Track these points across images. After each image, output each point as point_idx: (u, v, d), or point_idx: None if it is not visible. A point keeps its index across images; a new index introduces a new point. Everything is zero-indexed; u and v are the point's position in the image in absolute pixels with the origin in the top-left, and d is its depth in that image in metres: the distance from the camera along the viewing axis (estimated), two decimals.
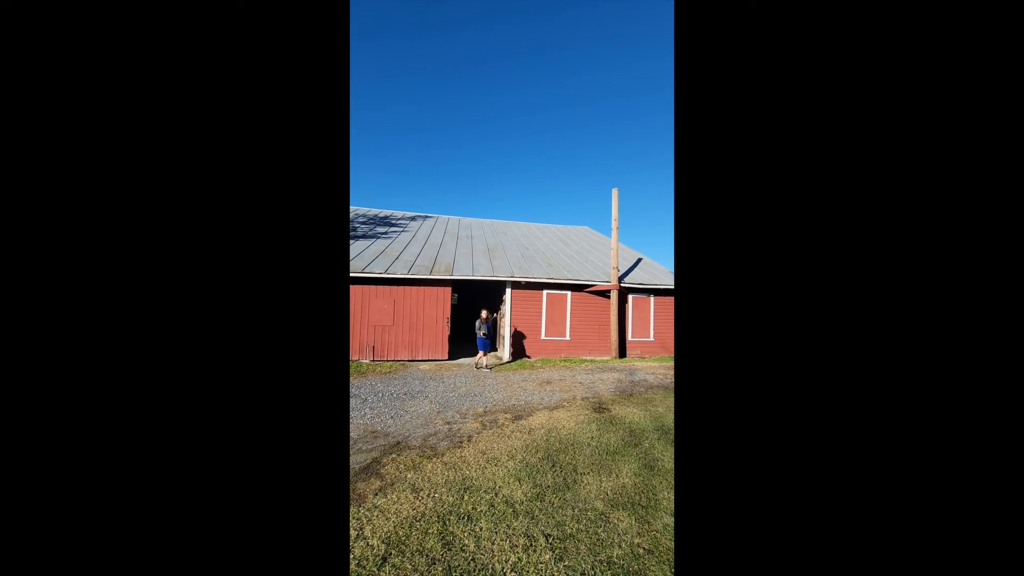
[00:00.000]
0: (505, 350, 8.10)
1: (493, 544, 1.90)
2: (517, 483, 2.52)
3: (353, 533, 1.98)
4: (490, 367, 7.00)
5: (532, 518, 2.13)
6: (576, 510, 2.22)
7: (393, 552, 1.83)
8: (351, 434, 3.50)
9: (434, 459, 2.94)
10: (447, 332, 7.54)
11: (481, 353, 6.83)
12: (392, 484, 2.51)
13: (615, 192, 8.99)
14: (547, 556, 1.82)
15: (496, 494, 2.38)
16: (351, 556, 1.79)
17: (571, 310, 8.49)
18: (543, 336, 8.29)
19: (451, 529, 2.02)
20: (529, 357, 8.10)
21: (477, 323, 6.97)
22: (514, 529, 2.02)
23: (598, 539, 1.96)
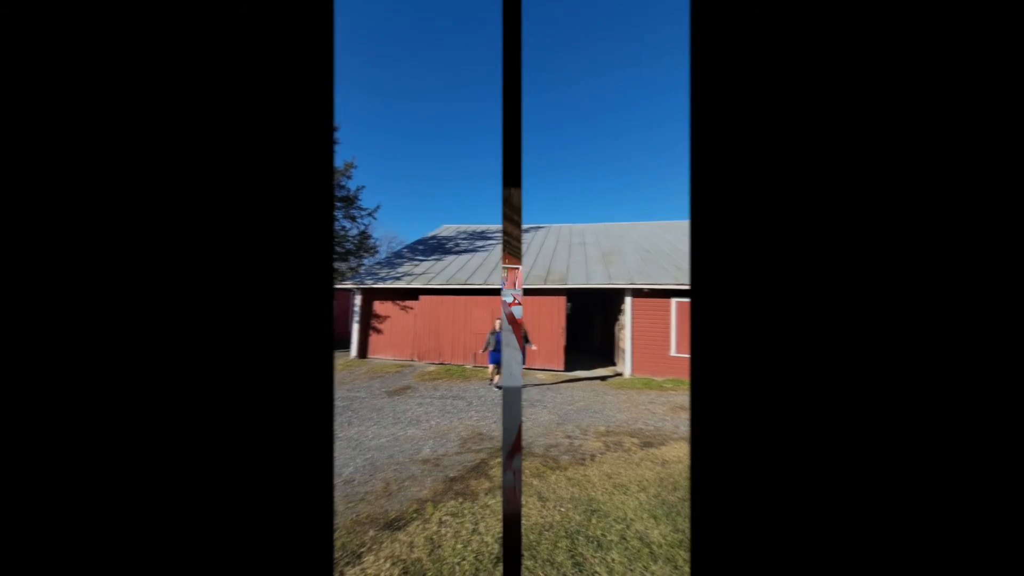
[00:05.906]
0: (626, 366, 7.45)
1: None
2: (653, 521, 2.22)
3: (470, 527, 2.15)
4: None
5: (675, 567, 1.82)
6: None
7: (525, 555, 1.88)
8: (461, 434, 3.86)
9: (557, 471, 2.92)
10: (563, 342, 7.52)
11: (492, 368, 6.06)
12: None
13: None
14: None
15: (628, 526, 2.16)
16: (470, 548, 1.94)
17: None
18: (673, 352, 7.22)
19: (580, 550, 1.93)
20: (655, 376, 7.20)
21: (489, 335, 6.20)
22: (653, 574, 1.77)
23: None
